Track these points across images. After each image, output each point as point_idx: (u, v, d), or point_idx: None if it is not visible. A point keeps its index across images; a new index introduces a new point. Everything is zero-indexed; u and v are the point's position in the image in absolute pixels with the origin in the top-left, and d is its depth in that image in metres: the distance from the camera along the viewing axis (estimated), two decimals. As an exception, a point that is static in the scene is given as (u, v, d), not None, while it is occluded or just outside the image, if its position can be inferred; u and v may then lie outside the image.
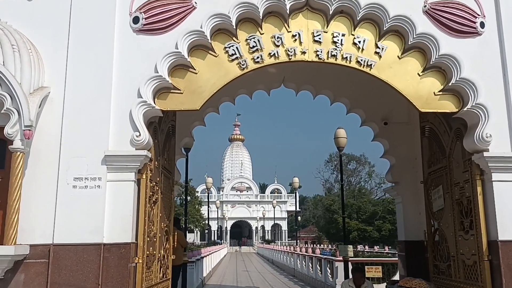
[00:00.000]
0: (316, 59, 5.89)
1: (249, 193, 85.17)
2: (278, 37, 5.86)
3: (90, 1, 5.73)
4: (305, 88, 8.79)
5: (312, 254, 19.45)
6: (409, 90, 5.89)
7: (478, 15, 6.02)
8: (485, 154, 5.62)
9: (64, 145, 5.37)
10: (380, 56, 5.91)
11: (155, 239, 6.07)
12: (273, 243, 62.40)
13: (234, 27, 5.76)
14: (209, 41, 5.72)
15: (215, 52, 5.81)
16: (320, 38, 5.90)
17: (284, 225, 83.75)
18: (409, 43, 5.87)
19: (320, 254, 19.06)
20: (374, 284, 8.25)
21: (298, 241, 47.17)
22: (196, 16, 5.72)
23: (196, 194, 62.44)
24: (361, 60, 5.86)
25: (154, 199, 6.02)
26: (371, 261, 14.95)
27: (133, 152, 5.41)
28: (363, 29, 5.96)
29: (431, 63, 5.87)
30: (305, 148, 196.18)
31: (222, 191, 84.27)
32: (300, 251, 23.61)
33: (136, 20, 5.71)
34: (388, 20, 5.82)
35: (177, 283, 10.80)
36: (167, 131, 6.90)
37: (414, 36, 5.82)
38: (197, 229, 68.38)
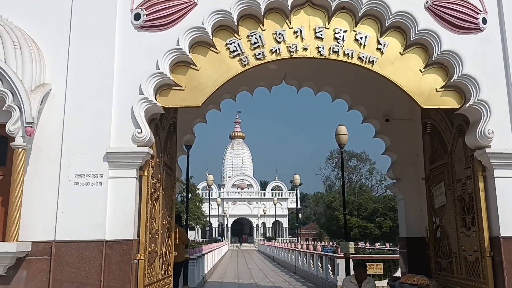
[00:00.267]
0: (317, 56, 5.87)
1: (250, 190, 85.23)
2: (279, 34, 5.84)
3: (91, -2, 5.72)
4: (307, 85, 8.77)
5: (313, 251, 19.49)
6: (411, 87, 5.88)
7: (480, 11, 6.00)
8: (487, 150, 5.61)
9: (66, 142, 5.37)
10: (382, 53, 5.89)
11: (157, 236, 6.07)
12: (274, 240, 62.48)
13: (236, 23, 5.74)
14: (211, 37, 5.71)
15: (216, 49, 5.80)
16: (321, 35, 5.88)
17: (285, 222, 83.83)
18: (411, 39, 5.85)
19: (321, 251, 19.08)
20: (375, 281, 8.25)
21: (299, 238, 47.20)
22: (197, 13, 5.70)
23: (197, 191, 62.47)
24: (363, 56, 5.85)
25: (155, 196, 6.02)
26: (372, 258, 14.96)
27: (135, 149, 5.40)
28: (365, 25, 5.94)
29: (433, 59, 5.85)
30: (306, 145, 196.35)
31: (223, 188, 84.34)
32: (301, 248, 23.65)
33: (137, 16, 5.70)
34: (390, 16, 5.80)
35: (179, 280, 10.84)
36: (169, 128, 6.89)
37: (416, 32, 5.80)
38: (198, 227, 68.51)
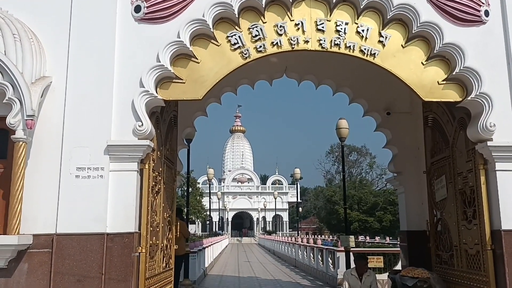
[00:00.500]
0: (319, 48, 5.85)
1: (250, 185, 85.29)
2: (281, 26, 5.81)
3: (91, -10, 5.69)
4: (308, 78, 8.75)
5: (313, 245, 19.51)
6: (412, 79, 5.85)
7: (483, 3, 5.97)
8: (489, 143, 5.60)
9: (67, 135, 5.36)
10: (383, 45, 5.86)
11: (158, 229, 6.08)
12: (274, 234, 62.59)
13: (237, 15, 5.71)
14: (211, 30, 5.68)
15: (217, 41, 5.77)
16: (323, 27, 5.85)
17: (285, 216, 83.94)
18: (413, 32, 5.83)
19: (322, 244, 19.11)
20: (376, 274, 8.26)
21: (299, 232, 47.28)
22: (198, 5, 5.67)
23: (197, 185, 62.50)
24: (365, 49, 5.82)
25: (156, 189, 6.02)
26: (373, 251, 14.97)
27: (136, 142, 5.39)
28: (367, 18, 5.91)
29: (435, 52, 5.83)
30: (306, 139, 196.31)
31: (223, 182, 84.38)
32: (302, 241, 23.69)
33: (137, 9, 5.67)
34: (392, 9, 5.77)
35: (180, 273, 10.86)
36: (169, 121, 6.88)
37: (418, 25, 5.77)
38: (198, 220, 68.60)
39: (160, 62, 5.49)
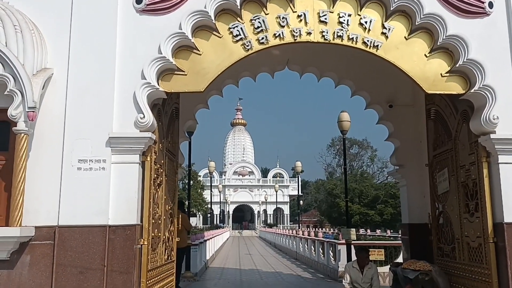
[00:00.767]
0: (322, 40, 5.81)
1: (251, 178, 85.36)
2: (283, 18, 5.77)
3: (93, -19, 5.64)
4: (309, 71, 8.71)
5: (314, 238, 19.54)
6: (415, 72, 5.82)
7: (487, -6, 5.91)
8: (492, 136, 5.58)
9: (68, 127, 5.35)
10: (386, 37, 5.82)
11: (160, 221, 6.08)
12: (275, 227, 62.74)
13: (239, 7, 5.67)
14: (213, 21, 5.64)
15: (219, 33, 5.73)
16: (326, 19, 5.81)
17: (286, 209, 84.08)
18: (416, 24, 5.78)
19: (323, 237, 19.14)
20: (377, 267, 8.27)
21: (300, 225, 47.38)
22: (200, -4, 5.62)
23: (199, 178, 62.58)
24: (368, 41, 5.78)
25: (158, 182, 6.01)
26: (374, 244, 14.99)
27: (138, 134, 5.38)
28: (370, 9, 5.87)
29: (438, 44, 5.79)
30: (307, 132, 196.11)
31: (224, 175, 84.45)
32: (303, 234, 23.73)
33: (139, 0, 5.62)
34: (395, 0, 5.72)
35: (181, 266, 10.89)
36: (171, 113, 6.86)
37: (422, 17, 5.73)
38: (199, 213, 68.75)
39: (161, 54, 5.46)
